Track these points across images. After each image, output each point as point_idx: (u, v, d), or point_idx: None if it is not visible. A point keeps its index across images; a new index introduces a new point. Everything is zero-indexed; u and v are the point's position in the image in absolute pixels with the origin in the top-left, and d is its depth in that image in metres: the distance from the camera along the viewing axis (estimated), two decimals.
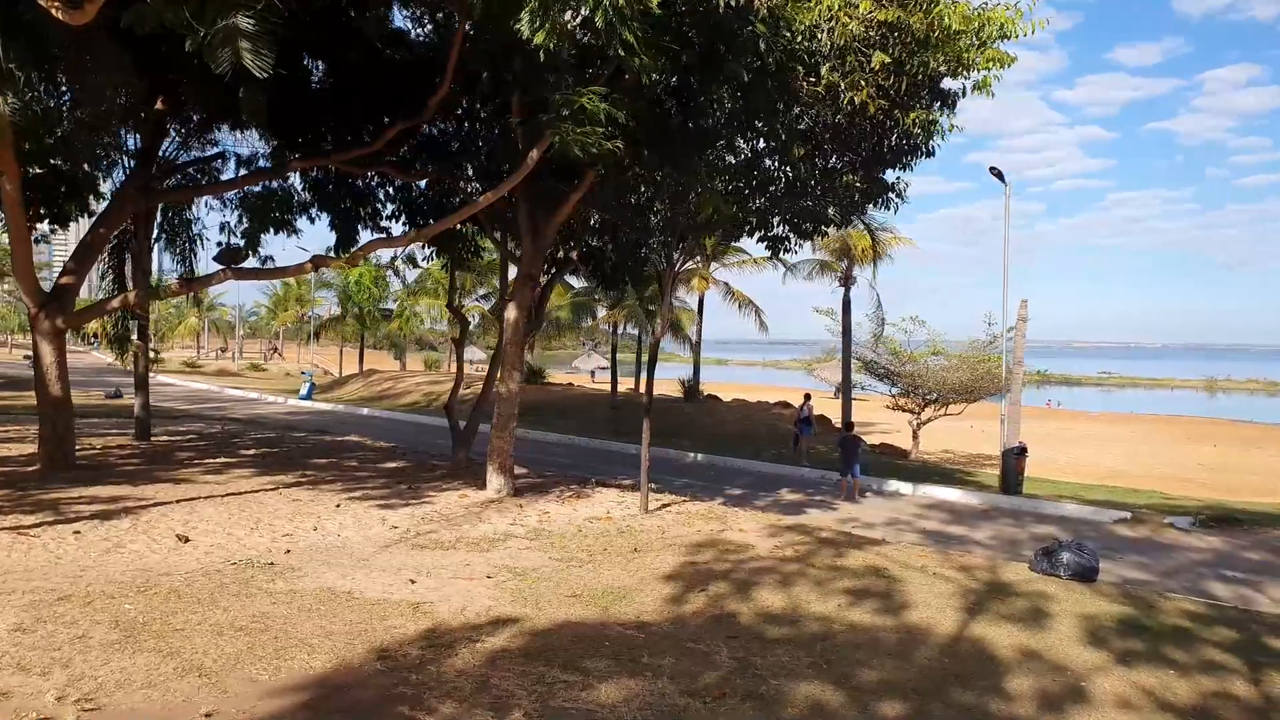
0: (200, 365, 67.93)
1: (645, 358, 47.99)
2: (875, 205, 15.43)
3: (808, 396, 25.60)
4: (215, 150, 15.64)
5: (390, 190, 18.40)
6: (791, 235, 16.35)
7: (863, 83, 9.86)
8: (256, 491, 13.40)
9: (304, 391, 38.68)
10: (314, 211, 18.94)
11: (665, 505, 14.14)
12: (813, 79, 10.14)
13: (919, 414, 30.71)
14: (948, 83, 11.40)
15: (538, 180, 13.49)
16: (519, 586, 8.73)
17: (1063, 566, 10.63)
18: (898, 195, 15.28)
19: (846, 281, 24.12)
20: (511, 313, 13.66)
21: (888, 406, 32.85)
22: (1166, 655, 7.77)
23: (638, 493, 14.98)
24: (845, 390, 23.35)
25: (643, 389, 41.42)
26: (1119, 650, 7.84)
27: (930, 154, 13.48)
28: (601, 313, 36.49)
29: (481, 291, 41.66)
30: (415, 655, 6.69)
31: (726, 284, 34.78)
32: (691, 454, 23.32)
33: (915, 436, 31.08)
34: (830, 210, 13.17)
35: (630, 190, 12.90)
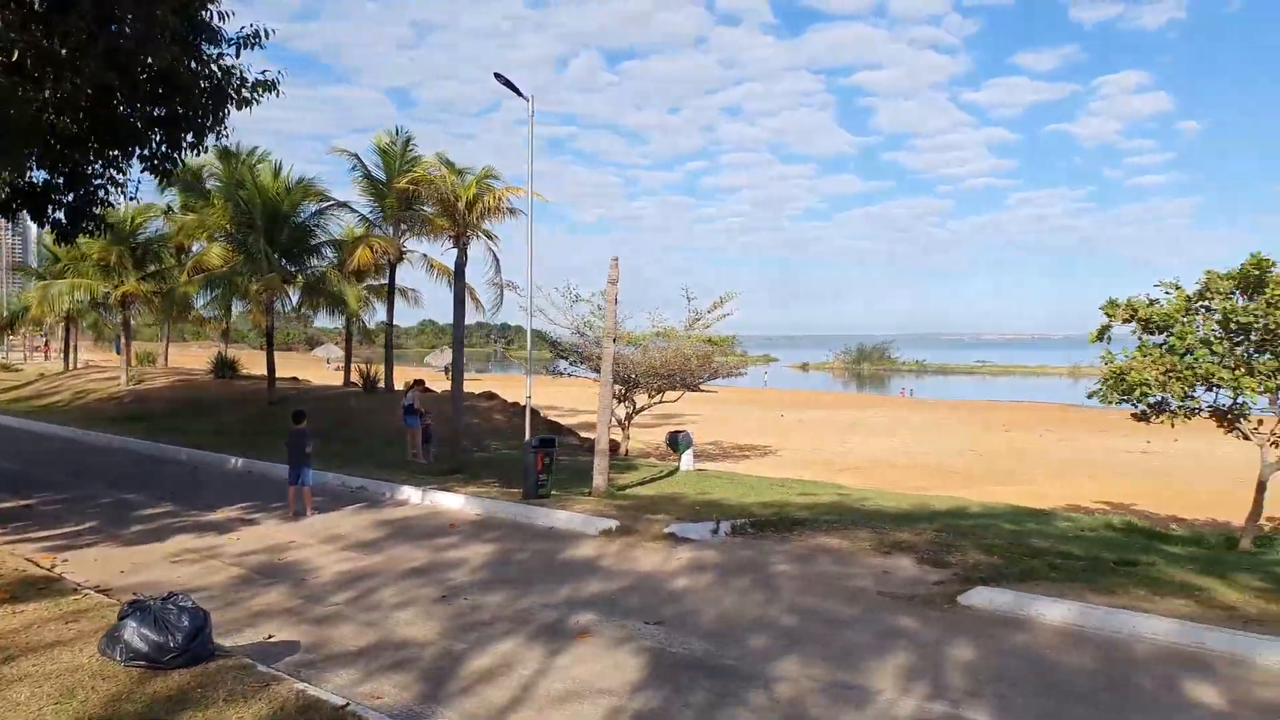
0: None
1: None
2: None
3: (418, 383, 21.09)
4: None
5: None
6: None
7: None
8: None
9: None
10: None
11: None
12: None
13: (623, 400, 26.44)
14: None
15: None
16: None
17: (120, 646, 6.22)
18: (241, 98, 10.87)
19: (458, 241, 19.70)
20: None
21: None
22: None
23: None
24: (456, 371, 18.75)
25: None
26: None
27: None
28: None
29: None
30: None
31: (425, 256, 29.57)
32: (187, 451, 18.94)
33: (624, 428, 26.86)
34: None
35: None
